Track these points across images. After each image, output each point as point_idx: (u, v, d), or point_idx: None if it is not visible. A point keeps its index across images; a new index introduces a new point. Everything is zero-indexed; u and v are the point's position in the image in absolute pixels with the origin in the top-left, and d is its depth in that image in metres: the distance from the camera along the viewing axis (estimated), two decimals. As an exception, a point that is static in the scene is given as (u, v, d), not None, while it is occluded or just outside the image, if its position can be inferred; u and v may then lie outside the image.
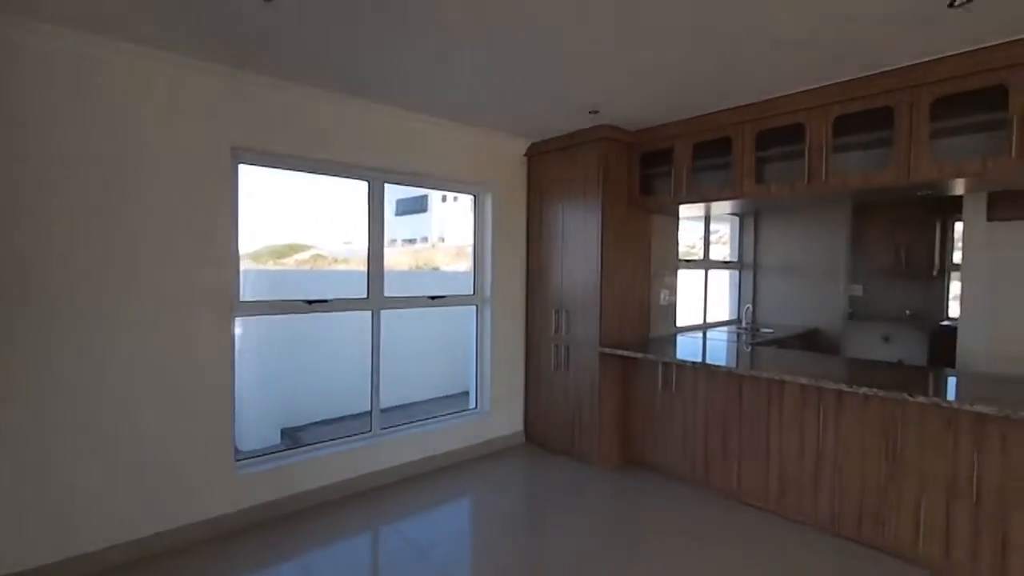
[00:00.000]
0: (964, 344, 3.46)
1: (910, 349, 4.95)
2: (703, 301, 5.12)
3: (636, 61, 2.49)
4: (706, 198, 3.36)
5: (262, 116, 2.79)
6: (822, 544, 2.63)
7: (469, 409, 4.04)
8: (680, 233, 4.29)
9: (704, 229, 5.12)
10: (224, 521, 2.73)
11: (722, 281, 5.65)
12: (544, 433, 4.01)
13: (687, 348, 3.62)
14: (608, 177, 3.57)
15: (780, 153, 3.11)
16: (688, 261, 4.91)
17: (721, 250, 5.73)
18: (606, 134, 3.48)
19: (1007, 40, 2.20)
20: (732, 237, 5.69)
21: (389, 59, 2.50)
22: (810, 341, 4.92)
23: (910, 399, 2.27)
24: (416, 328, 5.07)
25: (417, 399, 5.09)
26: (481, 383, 4.03)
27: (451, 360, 5.08)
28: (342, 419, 4.54)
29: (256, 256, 4.81)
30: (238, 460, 2.88)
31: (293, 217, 4.70)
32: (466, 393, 4.20)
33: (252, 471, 2.87)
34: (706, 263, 5.16)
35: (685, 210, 3.89)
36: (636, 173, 3.67)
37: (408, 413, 4.26)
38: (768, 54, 2.40)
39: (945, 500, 2.35)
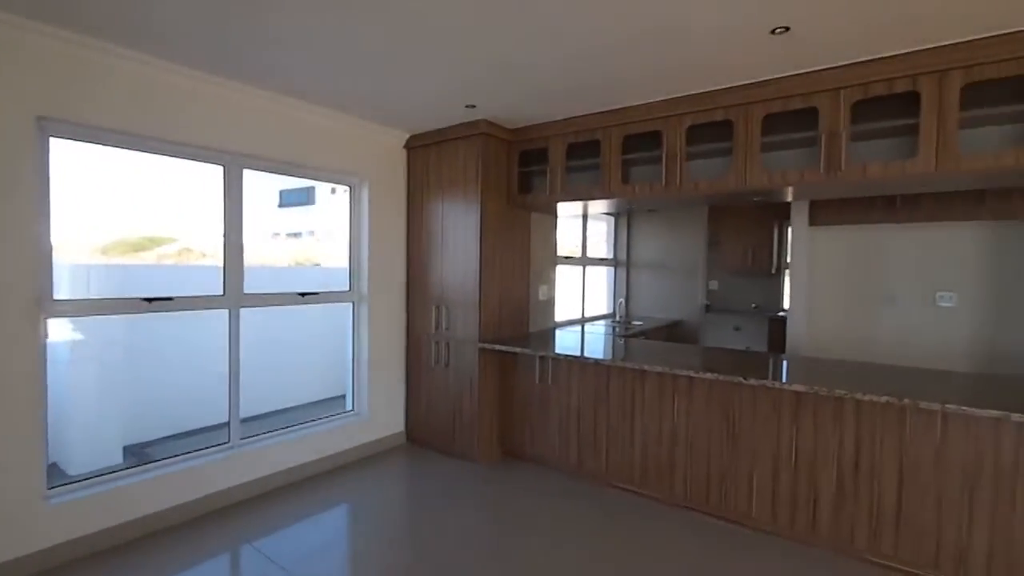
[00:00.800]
0: (792, 332, 4.00)
1: (756, 337, 5.63)
2: (581, 296, 5.38)
3: (504, 59, 2.51)
4: (579, 197, 3.51)
5: (82, 84, 2.38)
6: (676, 516, 2.88)
7: (345, 412, 3.85)
8: (559, 231, 4.44)
9: (582, 227, 5.36)
10: (30, 562, 2.30)
11: (600, 277, 5.98)
12: (426, 432, 3.94)
13: (564, 342, 3.77)
14: (488, 173, 3.59)
15: (644, 157, 3.33)
16: (567, 258, 5.12)
17: (599, 248, 6.05)
18: (484, 130, 3.49)
19: (818, 68, 2.55)
20: (608, 235, 6.04)
21: (253, 34, 2.27)
22: (673, 332, 5.39)
23: (744, 382, 2.56)
24: (293, 328, 4.72)
25: (293, 404, 4.74)
26: (358, 384, 3.85)
27: (332, 361, 4.81)
28: (202, 431, 4.08)
29: (106, 249, 4.14)
30: (55, 487, 2.45)
31: (153, 206, 4.11)
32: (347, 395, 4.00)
33: (76, 497, 2.46)
34: (584, 260, 5.42)
35: (564, 208, 4.03)
36: (515, 171, 3.73)
37: (283, 419, 3.94)
38: (623, 64, 2.54)
39: (772, 469, 2.68)
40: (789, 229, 5.59)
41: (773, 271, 5.77)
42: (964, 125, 2.38)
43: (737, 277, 6.06)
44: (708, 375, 2.66)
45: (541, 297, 4.18)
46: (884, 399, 2.19)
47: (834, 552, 2.51)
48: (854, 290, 3.92)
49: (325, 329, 4.78)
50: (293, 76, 2.78)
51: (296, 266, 6.69)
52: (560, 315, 4.72)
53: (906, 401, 2.15)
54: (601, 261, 5.90)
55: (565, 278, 5.12)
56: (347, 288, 3.80)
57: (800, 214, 3.93)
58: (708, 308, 5.90)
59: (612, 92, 2.96)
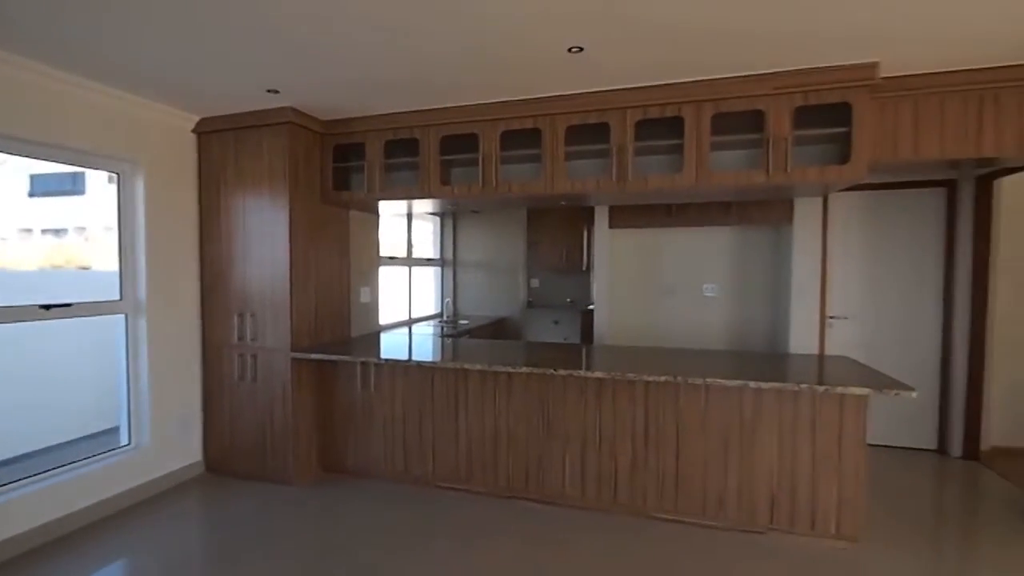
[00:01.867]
0: (598, 323, 4.46)
1: (572, 329, 6.17)
2: (408, 297, 5.28)
3: (302, 44, 2.31)
4: (399, 196, 3.42)
5: None
6: (501, 506, 2.98)
7: (119, 447, 3.17)
8: (383, 230, 4.28)
9: (407, 227, 5.27)
10: None
11: (427, 278, 5.95)
12: (230, 458, 3.46)
13: (389, 345, 3.64)
14: (297, 167, 3.28)
15: (463, 159, 3.38)
16: (392, 258, 4.98)
17: (426, 248, 6.02)
18: (292, 119, 3.18)
19: (609, 89, 2.86)
20: (435, 235, 6.05)
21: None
22: (499, 329, 5.62)
23: (555, 373, 2.75)
24: (47, 349, 3.72)
25: (54, 442, 3.75)
26: (136, 412, 3.21)
27: (110, 386, 3.92)
28: None
29: None
30: None
31: None
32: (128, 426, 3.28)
33: None
34: (410, 260, 5.33)
35: (386, 207, 3.89)
36: (329, 166, 3.48)
37: (40, 463, 3.07)
38: (434, 66, 2.54)
39: (581, 450, 2.95)
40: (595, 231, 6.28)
41: (584, 268, 6.39)
42: (715, 148, 2.89)
43: (555, 275, 6.57)
44: (524, 369, 2.80)
45: (363, 300, 3.98)
46: (664, 378, 2.56)
47: (632, 515, 2.86)
48: (644, 284, 4.54)
49: (94, 347, 3.88)
50: (35, 35, 2.17)
51: (54, 269, 5.33)
52: (385, 318, 4.56)
53: (679, 379, 2.54)
54: (428, 261, 5.88)
55: (390, 279, 4.97)
56: (118, 297, 3.13)
57: (602, 218, 4.40)
58: (530, 304, 6.28)
59: (427, 92, 2.93)
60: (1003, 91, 2.57)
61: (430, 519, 2.87)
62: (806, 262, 3.92)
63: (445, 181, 3.42)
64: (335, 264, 3.64)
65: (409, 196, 3.38)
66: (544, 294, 6.60)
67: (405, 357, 3.14)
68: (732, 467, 2.71)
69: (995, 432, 3.72)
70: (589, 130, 3.01)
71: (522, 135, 3.14)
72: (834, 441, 2.54)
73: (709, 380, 2.49)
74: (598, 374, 2.70)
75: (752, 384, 2.44)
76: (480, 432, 3.14)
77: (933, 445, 3.88)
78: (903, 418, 3.90)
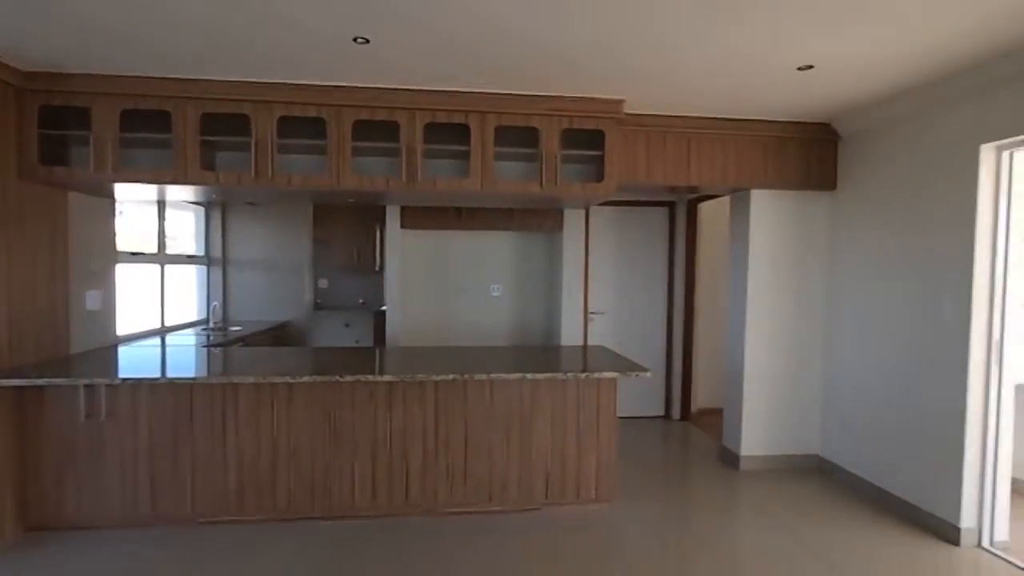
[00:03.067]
0: (390, 325, 4.39)
1: (364, 332, 5.94)
2: (161, 301, 4.40)
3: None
4: (144, 179, 2.81)
5: None
6: (281, 532, 2.69)
7: None
8: (119, 219, 3.47)
9: (159, 216, 4.38)
10: None
11: (190, 278, 5.05)
12: None
13: (129, 361, 2.96)
14: (-27, 128, 2.43)
15: (234, 142, 2.95)
16: (137, 254, 4.08)
17: (186, 243, 5.10)
18: (-37, 62, 2.34)
19: (397, 87, 2.83)
20: (199, 229, 5.17)
21: None
22: (281, 335, 5.09)
23: (341, 380, 2.61)
24: None
25: None
26: None
27: None
28: None
29: None
30: None
31: None
32: None
33: None
34: (163, 257, 4.45)
35: (128, 191, 3.16)
36: (34, 132, 2.67)
37: None
38: (178, 22, 2.16)
39: (372, 457, 2.85)
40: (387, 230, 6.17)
41: (377, 269, 6.23)
42: (498, 157, 3.11)
43: (346, 275, 6.24)
44: (307, 378, 2.58)
45: (91, 306, 3.17)
46: (451, 377, 2.64)
47: (424, 515, 2.88)
48: (436, 285, 4.64)
49: None
50: None
51: None
52: (127, 327, 3.72)
53: (466, 376, 2.65)
54: (189, 259, 4.99)
55: (136, 280, 4.07)
56: None
57: (394, 218, 4.34)
58: (318, 306, 5.85)
59: (179, 57, 2.47)
60: (703, 136, 3.35)
61: (189, 565, 2.43)
62: (573, 265, 4.50)
63: (208, 166, 2.94)
64: (43, 260, 2.81)
65: (159, 180, 2.81)
66: (334, 295, 6.21)
67: (154, 374, 2.59)
68: (514, 454, 2.95)
69: (700, 398, 4.84)
70: (378, 127, 2.93)
71: (304, 124, 2.89)
72: (593, 419, 2.98)
73: (493, 375, 2.67)
74: (388, 377, 2.65)
75: (529, 376, 2.69)
76: (255, 453, 2.79)
77: (661, 412, 4.86)
78: (641, 392, 4.79)
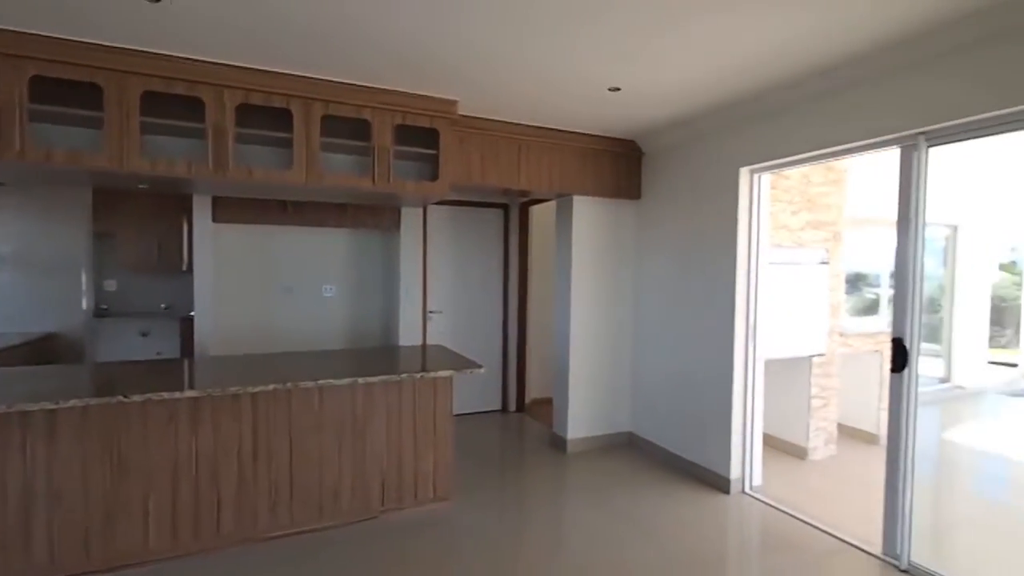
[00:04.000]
0: (200, 331, 3.82)
1: (168, 341, 5.08)
2: None
3: None
4: None
5: None
6: (38, 598, 2.15)
7: None
8: None
9: None
10: None
11: None
12: None
13: None
14: None
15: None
16: None
17: None
18: None
19: (201, 58, 2.47)
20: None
21: None
22: (45, 349, 4.09)
23: (127, 400, 2.18)
24: None
25: None
26: None
27: None
28: None
29: None
30: None
31: None
32: None
33: None
34: None
35: None
36: None
37: None
38: None
39: (172, 486, 2.44)
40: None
41: (185, 268, 5.38)
42: (326, 149, 2.91)
43: (142, 275, 5.26)
44: (75, 402, 2.10)
45: None
46: (272, 387, 2.39)
47: (241, 544, 2.56)
48: (258, 285, 4.18)
49: None
50: None
51: None
52: None
53: (289, 385, 2.43)
54: None
55: None
56: None
57: (203, 209, 3.79)
58: (103, 313, 4.84)
59: None
60: (532, 144, 3.57)
61: None
62: (411, 264, 4.43)
63: (-86, 130, 2.22)
64: None
65: None
66: (126, 299, 5.21)
67: None
68: (347, 463, 2.79)
69: (534, 389, 5.16)
70: (177, 103, 2.53)
71: (72, 88, 2.35)
72: (430, 418, 2.96)
73: (322, 382, 2.49)
74: (192, 393, 2.29)
75: (361, 380, 2.57)
76: (-3, 501, 2.18)
77: (498, 406, 5.06)
78: (479, 388, 4.93)
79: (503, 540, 2.73)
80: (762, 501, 3.11)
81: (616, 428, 4.11)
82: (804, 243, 3.75)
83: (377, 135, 2.89)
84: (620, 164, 3.91)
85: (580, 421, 3.97)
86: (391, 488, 2.89)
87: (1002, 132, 2.09)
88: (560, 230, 4.03)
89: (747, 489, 3.22)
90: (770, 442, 3.98)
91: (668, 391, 3.71)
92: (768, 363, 3.55)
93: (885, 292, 5.82)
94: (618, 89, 2.83)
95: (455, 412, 4.77)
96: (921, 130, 2.27)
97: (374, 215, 4.32)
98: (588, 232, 3.92)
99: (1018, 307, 6.71)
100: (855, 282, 5.99)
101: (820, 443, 3.88)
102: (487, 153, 3.43)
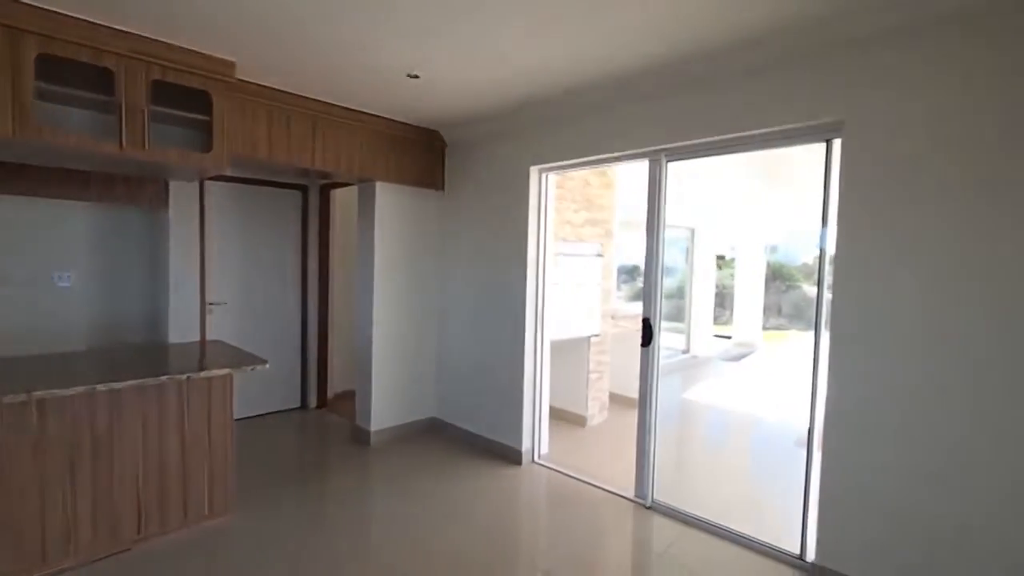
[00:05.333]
0: None
1: None
2: None
3: None
4: None
5: None
6: None
7: None
8: None
9: None
10: None
11: None
12: None
13: None
14: None
15: None
16: None
17: None
18: None
19: None
20: None
21: None
22: None
23: None
24: None
25: None
26: None
27: None
28: None
29: None
30: None
31: None
32: None
33: None
34: None
35: None
36: None
37: None
38: None
39: None
40: None
41: None
42: (45, 97, 2.29)
43: None
44: None
45: None
46: (-45, 404, 1.81)
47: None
48: (-59, 272, 3.12)
49: None
50: None
51: None
52: None
53: (-14, 399, 1.87)
54: None
55: None
56: None
57: None
58: None
59: None
60: (329, 122, 3.34)
61: None
62: (184, 248, 3.79)
63: None
64: None
65: None
66: None
67: None
68: (84, 490, 2.27)
69: (337, 383, 4.90)
70: None
71: None
72: (203, 425, 2.59)
73: (39, 393, 1.97)
74: None
75: (103, 387, 2.11)
76: None
77: (298, 403, 4.69)
78: (274, 386, 4.50)
79: (295, 548, 2.54)
80: (548, 467, 3.48)
81: (420, 415, 4.15)
82: (584, 238, 4.28)
83: (127, 89, 2.38)
84: (425, 153, 3.93)
85: (383, 411, 3.91)
86: (151, 511, 2.45)
87: (722, 153, 2.67)
88: (362, 216, 3.88)
89: (536, 459, 3.57)
90: (556, 414, 4.47)
91: (469, 375, 3.89)
92: (554, 344, 3.97)
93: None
94: (417, 77, 2.82)
95: (247, 414, 4.32)
96: (662, 147, 2.77)
97: (131, 188, 3.57)
98: (391, 220, 3.85)
99: (732, 293, 8.76)
100: (632, 272, 7.09)
101: (596, 411, 4.51)
102: (277, 127, 3.11)
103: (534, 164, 3.39)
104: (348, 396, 4.77)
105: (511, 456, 3.55)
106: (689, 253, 7.48)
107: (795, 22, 2.11)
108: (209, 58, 2.59)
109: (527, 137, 3.41)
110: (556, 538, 2.72)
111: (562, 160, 3.26)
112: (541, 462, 3.55)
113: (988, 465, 1.86)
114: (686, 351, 7.35)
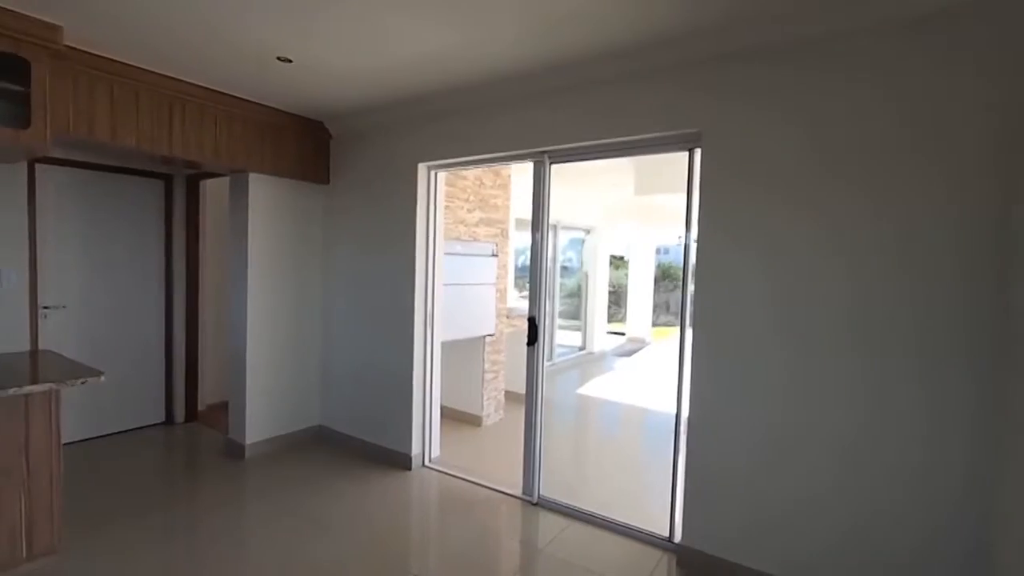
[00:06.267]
0: None
1: None
2: None
3: None
4: None
5: None
6: None
7: None
8: None
9: None
10: None
11: None
12: None
13: None
14: None
15: None
16: None
17: None
18: None
19: None
20: None
21: None
22: None
23: None
24: None
25: None
26: None
27: None
28: None
29: None
30: None
31: None
32: None
33: None
34: None
35: None
36: None
37: None
38: None
39: None
40: None
41: None
42: None
43: None
44: None
45: None
46: None
47: None
48: None
49: None
50: None
51: None
52: None
53: None
54: None
55: None
56: None
57: None
58: None
59: None
60: (191, 104, 3.00)
61: None
62: (6, 243, 3.22)
63: None
64: None
65: None
66: None
67: None
68: None
69: (209, 394, 4.45)
70: None
71: None
72: (17, 451, 2.19)
73: None
74: None
75: None
76: None
77: (162, 418, 4.18)
78: (134, 400, 3.98)
79: (139, 582, 2.24)
80: (439, 471, 3.41)
81: (304, 423, 3.89)
82: (478, 237, 4.26)
83: (-98, 47, 1.94)
84: (306, 144, 3.67)
85: (260, 422, 3.60)
86: (-57, 559, 2.03)
87: (600, 157, 2.75)
88: (234, 210, 3.54)
89: (427, 463, 3.48)
90: (451, 415, 4.41)
91: (356, 379, 3.70)
92: (448, 344, 3.90)
93: (548, 281, 7.19)
94: (289, 60, 2.61)
95: (96, 434, 3.75)
96: (545, 149, 2.81)
97: (-73, 168, 2.95)
98: (268, 214, 3.55)
99: (626, 292, 9.25)
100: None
101: (492, 410, 4.51)
102: (122, 106, 2.72)
103: (422, 161, 3.30)
104: (223, 407, 4.34)
105: (400, 461, 3.43)
106: (587, 253, 7.77)
107: (654, 38, 2.23)
108: (26, 19, 2.19)
109: (416, 132, 3.31)
110: (438, 542, 2.66)
111: (451, 158, 3.19)
112: (432, 466, 3.46)
113: (826, 446, 2.09)
114: (583, 348, 7.63)
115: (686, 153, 2.43)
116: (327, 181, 3.83)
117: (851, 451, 2.03)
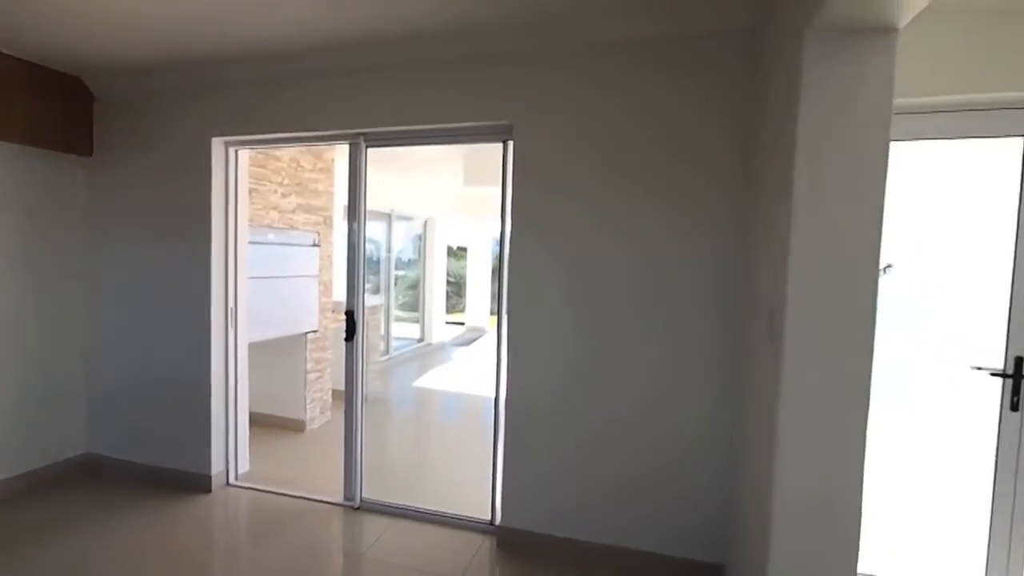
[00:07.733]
0: None
1: None
2: None
3: None
4: None
5: None
6: None
7: None
8: None
9: None
10: None
11: None
12: None
13: None
14: None
15: None
16: None
17: None
18: None
19: None
20: None
21: None
22: None
23: None
24: None
25: None
26: None
27: None
28: None
29: None
30: None
31: None
32: None
33: None
34: None
35: None
36: None
37: None
38: None
39: None
40: None
41: None
42: None
43: None
44: None
45: None
46: None
47: None
48: None
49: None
50: None
51: None
52: None
53: None
54: None
55: None
56: None
57: None
58: None
59: None
60: None
61: None
62: None
63: None
64: None
65: None
66: None
67: None
68: None
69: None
70: None
71: None
72: None
73: None
74: None
75: None
76: None
77: None
78: None
79: None
80: (247, 488, 3.03)
81: (64, 453, 3.14)
82: (296, 225, 3.88)
83: None
84: (54, 105, 2.91)
85: (-7, 458, 2.81)
86: None
87: (418, 144, 2.66)
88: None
89: (232, 480, 3.07)
90: (269, 422, 3.98)
91: (137, 394, 3.09)
92: (261, 344, 3.49)
93: (385, 273, 6.90)
94: (10, -9, 2.02)
95: None
96: (361, 131, 2.63)
97: None
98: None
99: (466, 282, 9.40)
100: (378, 264, 6.85)
101: (317, 413, 4.17)
102: None
103: (218, 135, 2.86)
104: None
105: (198, 484, 2.97)
106: (425, 244, 7.66)
107: (463, 27, 2.22)
108: None
109: (209, 102, 2.84)
110: (246, 567, 2.36)
111: (253, 134, 2.81)
112: (239, 483, 3.07)
113: (624, 427, 2.31)
114: (421, 340, 7.54)
115: (500, 145, 2.47)
116: (90, 153, 3.10)
117: (640, 412, 2.28)
